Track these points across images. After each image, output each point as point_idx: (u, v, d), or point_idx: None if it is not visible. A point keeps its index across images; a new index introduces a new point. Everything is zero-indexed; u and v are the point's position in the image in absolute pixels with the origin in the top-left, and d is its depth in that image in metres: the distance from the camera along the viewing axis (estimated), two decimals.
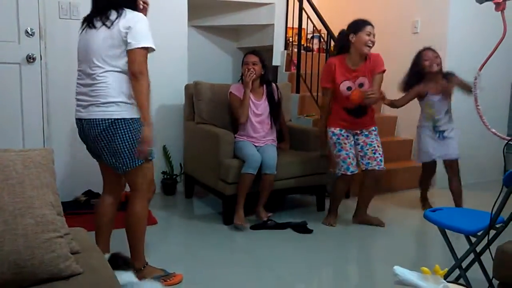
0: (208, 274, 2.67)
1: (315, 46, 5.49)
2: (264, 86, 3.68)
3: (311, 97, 4.53)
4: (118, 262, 1.96)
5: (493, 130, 3.68)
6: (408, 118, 4.44)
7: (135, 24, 2.23)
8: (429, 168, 3.89)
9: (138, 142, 2.29)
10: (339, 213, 3.59)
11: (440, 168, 3.91)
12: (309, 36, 5.46)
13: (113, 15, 2.25)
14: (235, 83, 3.83)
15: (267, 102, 3.66)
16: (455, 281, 2.29)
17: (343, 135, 3.41)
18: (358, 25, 3.25)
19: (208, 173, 3.68)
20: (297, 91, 4.70)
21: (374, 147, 3.41)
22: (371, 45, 3.25)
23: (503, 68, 4.76)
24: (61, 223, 1.60)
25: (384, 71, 3.36)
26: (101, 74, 2.25)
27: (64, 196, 2.62)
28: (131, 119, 2.28)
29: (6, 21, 3.40)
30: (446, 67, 3.79)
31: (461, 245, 2.39)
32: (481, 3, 3.21)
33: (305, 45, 5.32)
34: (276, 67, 5.09)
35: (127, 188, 2.53)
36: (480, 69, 3.65)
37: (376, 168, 3.39)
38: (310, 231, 3.35)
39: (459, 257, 2.37)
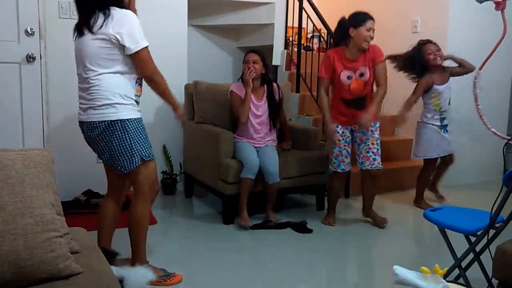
0: (208, 273, 2.67)
1: (315, 46, 5.48)
2: (265, 86, 3.65)
3: (311, 97, 4.53)
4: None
5: (493, 130, 3.70)
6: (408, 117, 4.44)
7: (127, 26, 2.23)
8: (432, 164, 3.89)
9: (137, 142, 2.31)
10: (339, 212, 3.59)
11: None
12: (309, 36, 5.46)
13: (100, 18, 2.22)
14: (236, 82, 3.82)
15: (267, 103, 3.64)
16: (455, 281, 2.28)
17: (338, 132, 3.40)
18: (358, 19, 3.23)
19: (208, 172, 3.68)
20: (297, 91, 4.70)
21: (369, 145, 3.39)
22: (370, 40, 3.24)
23: (503, 68, 4.76)
24: (60, 222, 1.60)
25: (384, 60, 3.35)
26: (94, 77, 2.27)
27: (64, 196, 2.62)
28: (127, 119, 2.29)
29: (6, 21, 3.40)
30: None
31: (461, 244, 2.39)
32: (481, 2, 3.22)
33: (305, 44, 5.32)
34: (276, 66, 5.09)
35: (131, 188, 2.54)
36: (481, 68, 3.67)
37: (369, 168, 3.39)
38: (310, 231, 3.35)
39: (458, 256, 2.37)
